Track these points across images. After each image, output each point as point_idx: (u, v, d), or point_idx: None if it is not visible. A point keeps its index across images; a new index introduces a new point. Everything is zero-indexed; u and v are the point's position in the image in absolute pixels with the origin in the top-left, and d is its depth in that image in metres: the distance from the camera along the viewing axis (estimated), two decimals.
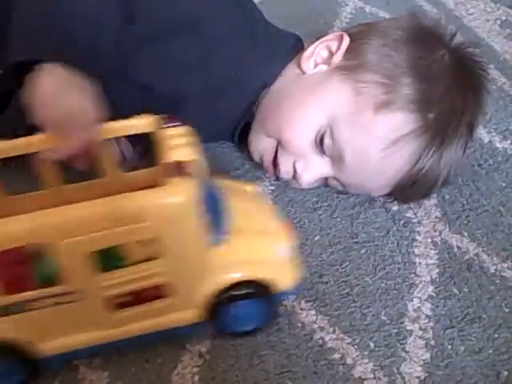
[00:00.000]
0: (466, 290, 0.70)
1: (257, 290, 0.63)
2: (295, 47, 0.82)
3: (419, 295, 0.70)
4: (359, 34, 0.78)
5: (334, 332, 0.66)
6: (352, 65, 0.74)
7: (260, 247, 0.64)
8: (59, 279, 0.57)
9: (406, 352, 0.64)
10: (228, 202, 0.64)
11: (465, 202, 0.81)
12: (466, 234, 0.77)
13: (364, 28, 0.80)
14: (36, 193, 0.67)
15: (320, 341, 0.66)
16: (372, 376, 0.63)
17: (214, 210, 0.60)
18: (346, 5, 1.21)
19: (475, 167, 0.86)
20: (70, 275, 0.57)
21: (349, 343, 0.65)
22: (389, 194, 0.78)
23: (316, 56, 0.78)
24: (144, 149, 0.86)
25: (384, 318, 0.67)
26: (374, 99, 0.71)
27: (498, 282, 0.71)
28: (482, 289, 0.70)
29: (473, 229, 0.77)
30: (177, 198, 0.56)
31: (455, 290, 0.70)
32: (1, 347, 0.59)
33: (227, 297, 0.62)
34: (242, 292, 0.63)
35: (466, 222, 0.78)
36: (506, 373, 0.62)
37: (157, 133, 0.63)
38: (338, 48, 0.77)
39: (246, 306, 0.64)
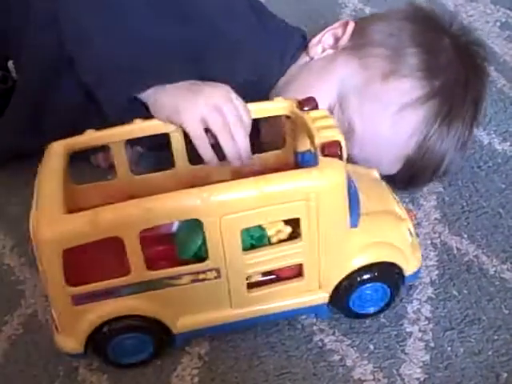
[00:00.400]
0: (465, 291, 0.70)
1: (384, 273, 0.64)
2: (303, 43, 0.84)
3: (419, 297, 0.69)
4: (363, 21, 0.82)
5: (333, 334, 0.66)
6: (357, 44, 0.78)
7: (389, 231, 0.65)
8: (205, 256, 0.59)
9: (405, 354, 0.64)
10: (356, 184, 0.65)
11: (464, 204, 0.81)
12: (465, 235, 0.77)
13: (367, 16, 0.86)
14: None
15: (320, 342, 0.66)
16: (371, 378, 0.63)
17: (349, 193, 0.61)
18: (346, 6, 1.21)
19: (475, 169, 0.86)
20: (217, 252, 0.58)
21: (348, 345, 0.65)
22: (398, 173, 0.77)
23: (323, 43, 0.81)
24: (146, 148, 0.87)
25: (383, 320, 0.67)
26: (381, 70, 0.74)
27: (497, 283, 0.71)
28: (482, 290, 0.70)
29: (472, 230, 0.77)
30: (329, 178, 0.57)
31: (455, 292, 0.70)
32: (141, 322, 0.61)
33: (357, 279, 0.63)
34: (371, 275, 0.63)
35: (465, 223, 0.78)
36: (505, 374, 0.62)
37: (296, 115, 0.65)
38: (344, 33, 0.80)
39: (371, 289, 0.65)
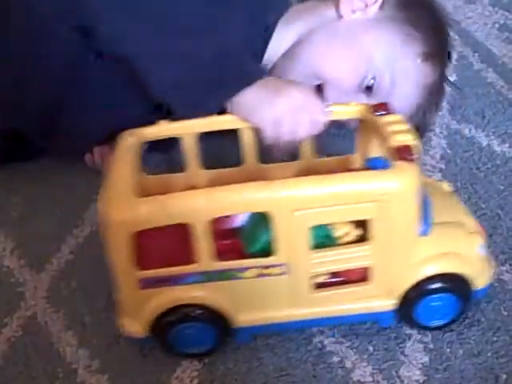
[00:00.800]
0: None
1: (453, 285, 0.63)
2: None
3: None
4: None
5: (333, 336, 0.66)
6: (388, 16, 0.80)
7: (461, 242, 0.64)
8: (272, 250, 0.59)
9: (404, 355, 0.64)
10: (429, 195, 0.64)
11: None
12: None
13: None
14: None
15: (319, 344, 0.66)
16: (371, 379, 0.63)
17: (421, 201, 0.61)
18: None
19: (473, 170, 0.86)
20: (284, 248, 0.58)
21: (348, 347, 0.65)
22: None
23: (352, 4, 0.81)
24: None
25: None
26: (417, 51, 0.79)
27: (496, 285, 0.71)
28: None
29: None
30: (402, 181, 0.57)
31: None
32: (203, 312, 0.61)
33: (425, 289, 0.63)
34: (439, 285, 0.63)
35: None
36: (504, 376, 0.62)
37: (370, 119, 0.66)
38: (376, 1, 0.81)
39: (438, 300, 0.64)
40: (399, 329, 0.67)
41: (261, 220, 0.59)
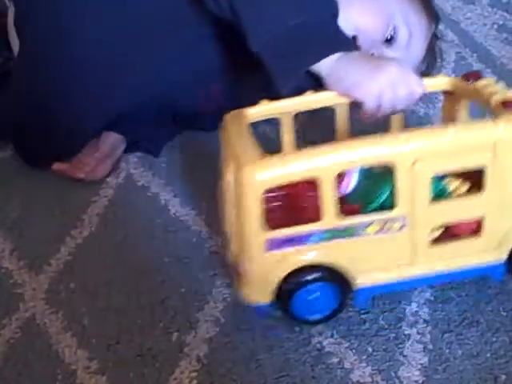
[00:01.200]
0: (463, 294, 0.70)
1: None
2: None
3: (417, 299, 0.69)
4: None
5: (332, 336, 0.66)
6: None
7: None
8: (393, 204, 0.61)
9: (403, 356, 0.64)
10: None
11: None
12: None
13: None
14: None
15: (318, 345, 0.66)
16: (370, 380, 0.63)
17: None
18: None
19: None
20: (405, 200, 0.60)
21: (347, 347, 0.65)
22: None
23: None
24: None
25: (382, 322, 0.68)
26: (422, 8, 0.89)
27: (495, 285, 0.71)
28: (480, 293, 0.70)
29: None
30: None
31: (453, 294, 0.70)
32: (327, 273, 0.63)
33: None
34: None
35: None
36: (503, 376, 0.62)
37: (462, 87, 0.70)
38: None
39: None
40: (398, 329, 0.67)
41: (377, 178, 0.61)
